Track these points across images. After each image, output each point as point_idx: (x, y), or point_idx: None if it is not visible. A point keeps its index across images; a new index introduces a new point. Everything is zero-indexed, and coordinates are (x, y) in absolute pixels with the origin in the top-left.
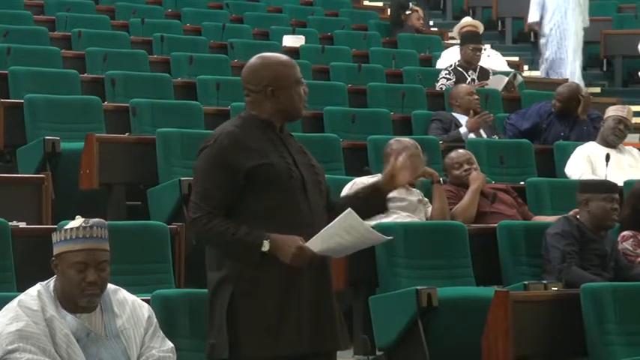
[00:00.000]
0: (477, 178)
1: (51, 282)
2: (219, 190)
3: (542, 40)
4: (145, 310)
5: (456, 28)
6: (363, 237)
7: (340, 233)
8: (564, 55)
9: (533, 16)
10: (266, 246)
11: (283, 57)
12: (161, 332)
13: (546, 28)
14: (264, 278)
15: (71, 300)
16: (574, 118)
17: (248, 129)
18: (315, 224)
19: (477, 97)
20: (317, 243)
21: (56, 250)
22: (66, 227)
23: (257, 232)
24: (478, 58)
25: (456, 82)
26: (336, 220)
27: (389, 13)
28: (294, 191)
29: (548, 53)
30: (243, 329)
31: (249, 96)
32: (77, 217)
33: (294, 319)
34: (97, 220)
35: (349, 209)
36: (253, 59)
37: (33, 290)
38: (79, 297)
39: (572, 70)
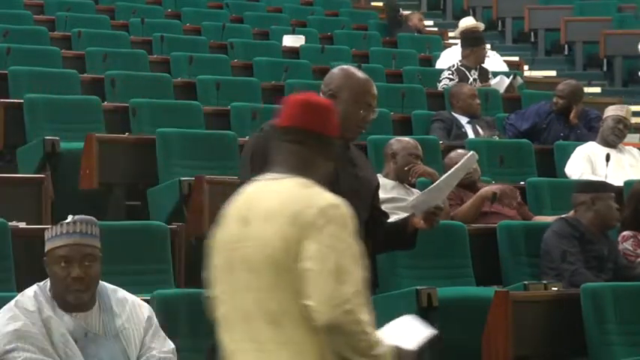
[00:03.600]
0: (486, 190)
1: (47, 282)
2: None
3: None
4: (145, 309)
5: (461, 28)
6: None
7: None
8: None
9: None
10: None
11: (364, 76)
12: (162, 332)
13: None
14: None
15: (61, 298)
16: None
17: None
18: None
19: (478, 101)
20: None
21: (45, 249)
22: (53, 225)
23: None
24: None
25: (459, 82)
26: (459, 164)
27: (385, 14)
28: None
29: None
30: None
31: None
32: (69, 216)
33: None
34: (82, 216)
35: (472, 152)
36: (338, 67)
37: (30, 291)
38: (66, 293)
39: None
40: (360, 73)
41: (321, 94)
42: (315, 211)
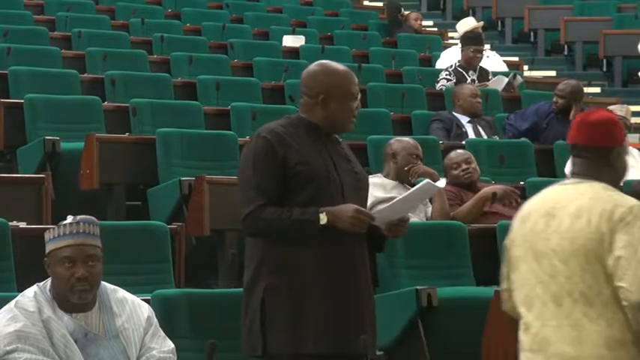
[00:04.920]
0: (486, 191)
1: (47, 283)
2: (266, 181)
3: None
4: (145, 309)
5: (462, 30)
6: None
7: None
8: None
9: None
10: (323, 219)
11: (344, 69)
12: (162, 332)
13: None
14: (294, 276)
15: (64, 298)
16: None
17: (292, 129)
18: None
19: (479, 100)
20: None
21: (47, 249)
22: (54, 226)
23: (311, 209)
24: (479, 60)
25: (457, 83)
26: (413, 190)
27: (386, 14)
28: (330, 193)
29: None
30: (270, 325)
31: (303, 98)
32: (69, 216)
33: (319, 318)
34: (84, 216)
35: (427, 181)
36: (315, 64)
37: (29, 292)
38: (70, 294)
39: None
40: (339, 67)
41: (305, 97)
42: (626, 209)
